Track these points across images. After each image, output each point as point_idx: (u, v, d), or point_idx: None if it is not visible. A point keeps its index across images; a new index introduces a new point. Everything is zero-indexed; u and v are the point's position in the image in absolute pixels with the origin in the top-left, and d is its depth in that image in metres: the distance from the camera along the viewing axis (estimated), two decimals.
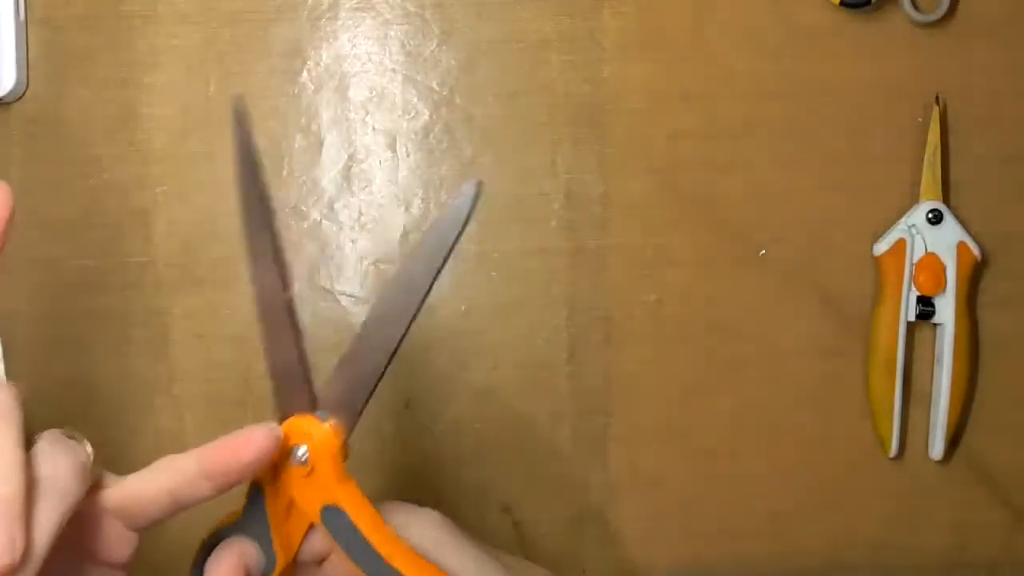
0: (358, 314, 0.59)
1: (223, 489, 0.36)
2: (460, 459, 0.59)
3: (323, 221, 0.59)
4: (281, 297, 0.39)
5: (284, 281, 0.39)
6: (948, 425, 0.58)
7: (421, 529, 0.40)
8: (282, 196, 0.59)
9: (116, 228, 0.59)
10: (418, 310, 0.37)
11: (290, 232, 0.59)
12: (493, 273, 0.59)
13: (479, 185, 0.35)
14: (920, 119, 0.59)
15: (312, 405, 0.39)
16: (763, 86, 0.59)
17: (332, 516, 0.38)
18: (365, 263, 0.59)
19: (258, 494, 0.39)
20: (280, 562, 0.39)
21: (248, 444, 0.36)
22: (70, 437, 0.36)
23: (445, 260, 0.36)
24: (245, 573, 0.38)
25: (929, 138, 0.58)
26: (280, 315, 0.39)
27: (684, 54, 0.59)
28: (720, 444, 0.59)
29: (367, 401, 0.38)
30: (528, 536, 0.59)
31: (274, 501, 0.39)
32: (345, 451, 0.38)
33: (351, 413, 0.38)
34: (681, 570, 0.60)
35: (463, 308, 0.59)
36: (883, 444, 0.58)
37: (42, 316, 0.59)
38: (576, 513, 0.59)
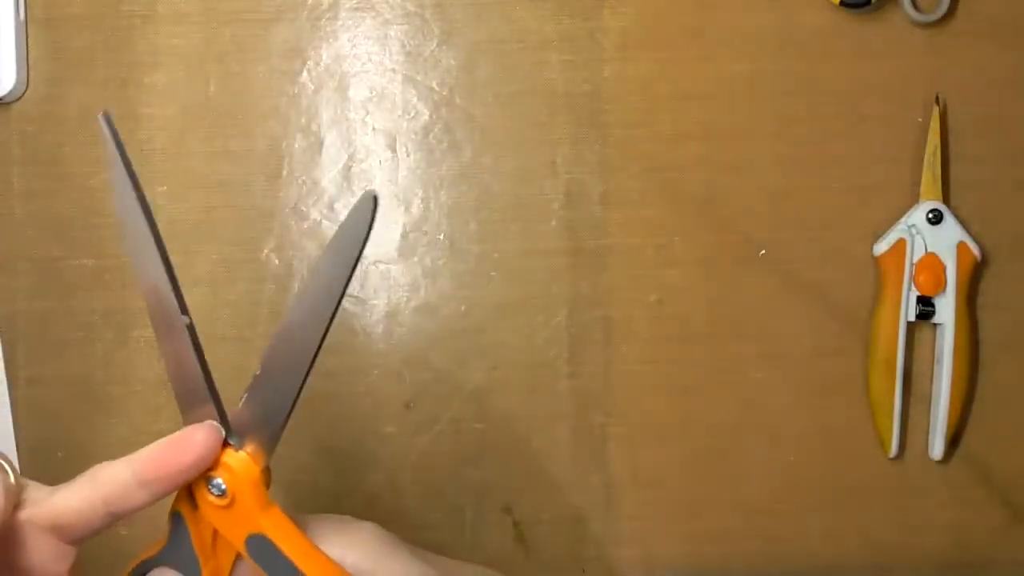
0: (358, 314, 0.59)
1: (160, 496, 0.35)
2: (460, 459, 0.59)
3: (323, 221, 0.59)
4: (179, 321, 0.36)
5: (181, 305, 0.37)
6: (948, 425, 0.58)
7: (359, 547, 0.38)
8: (282, 196, 0.59)
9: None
10: (328, 326, 0.35)
11: (290, 232, 0.59)
12: (493, 273, 0.59)
13: (375, 199, 0.34)
14: (920, 119, 0.59)
15: (224, 432, 0.37)
16: (763, 86, 0.59)
17: (257, 545, 0.36)
18: (365, 263, 0.59)
19: (180, 523, 0.38)
20: None
21: (187, 447, 0.35)
22: None
23: (350, 277, 0.35)
24: None
25: (929, 138, 0.58)
26: (181, 340, 0.36)
27: (684, 54, 0.59)
28: (720, 444, 0.59)
29: (285, 424, 0.36)
30: (528, 536, 0.60)
31: (198, 530, 0.37)
32: (267, 477, 0.37)
33: (269, 437, 0.36)
34: (681, 570, 0.60)
35: (463, 308, 0.59)
36: (883, 444, 0.59)
37: (42, 316, 0.59)
38: (576, 513, 0.59)
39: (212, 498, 0.36)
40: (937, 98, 0.58)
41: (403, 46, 0.59)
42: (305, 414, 0.57)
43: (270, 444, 0.37)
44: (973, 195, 0.59)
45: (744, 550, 0.60)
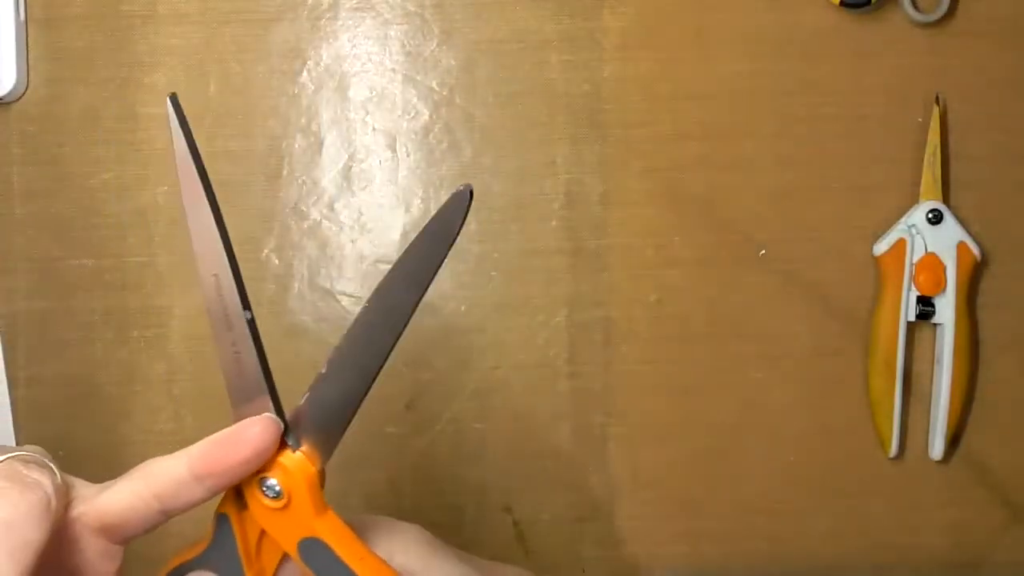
0: None
1: (216, 492, 0.34)
2: (460, 459, 0.59)
3: (323, 221, 0.59)
4: (241, 315, 0.35)
5: (243, 298, 0.35)
6: (948, 425, 0.58)
7: (405, 548, 0.37)
8: (282, 196, 0.59)
9: (116, 228, 0.59)
10: (405, 324, 0.33)
11: (290, 232, 0.59)
12: (493, 273, 0.59)
13: (471, 193, 0.32)
14: (920, 119, 0.59)
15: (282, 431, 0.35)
16: (763, 86, 0.59)
17: (311, 549, 0.35)
18: (365, 263, 0.59)
19: (225, 523, 0.36)
20: None
21: (245, 440, 0.33)
22: (30, 463, 0.32)
23: (435, 272, 0.33)
24: None
25: (929, 138, 0.58)
26: (240, 334, 0.35)
27: (684, 54, 0.59)
28: (720, 444, 0.59)
29: (347, 425, 0.35)
30: (528, 536, 0.60)
31: (244, 531, 0.36)
32: (322, 478, 0.35)
33: (328, 439, 0.35)
34: (681, 570, 0.60)
35: (463, 308, 0.59)
36: (883, 444, 0.59)
37: (42, 316, 0.59)
38: (576, 513, 0.59)
39: (266, 500, 0.35)
40: (937, 98, 0.58)
41: (403, 46, 0.59)
42: None
43: (328, 446, 0.35)
44: (973, 195, 0.59)
45: (744, 550, 0.60)
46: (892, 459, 0.59)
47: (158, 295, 0.59)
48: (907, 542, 0.60)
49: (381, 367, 0.34)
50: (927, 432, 0.59)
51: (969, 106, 0.59)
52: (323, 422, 0.35)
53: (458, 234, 0.32)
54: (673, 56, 0.59)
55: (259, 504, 0.35)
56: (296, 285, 0.59)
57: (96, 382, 0.59)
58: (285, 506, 0.35)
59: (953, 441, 0.59)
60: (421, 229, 0.33)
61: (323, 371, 0.35)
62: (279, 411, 0.35)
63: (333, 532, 0.35)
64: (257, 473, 0.34)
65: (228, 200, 0.59)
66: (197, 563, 0.37)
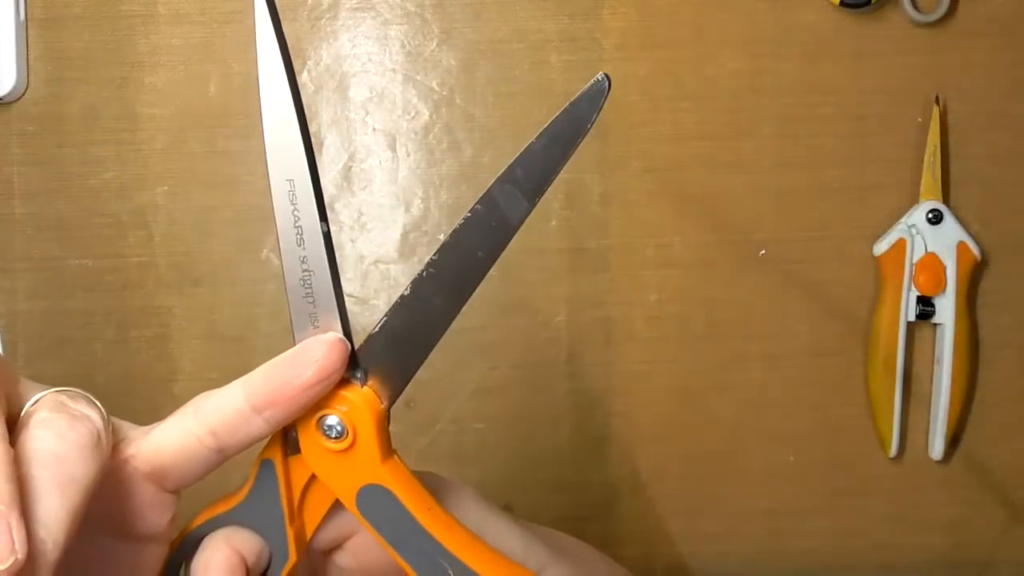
0: (358, 314, 0.59)
1: (279, 425, 0.30)
2: (460, 459, 0.59)
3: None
4: (317, 226, 0.31)
5: (320, 209, 0.31)
6: (948, 425, 0.58)
7: (460, 506, 0.34)
8: None
9: (116, 228, 0.59)
10: (510, 237, 0.30)
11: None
12: (493, 273, 0.59)
13: (609, 81, 0.29)
14: (920, 119, 0.59)
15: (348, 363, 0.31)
16: (763, 86, 0.59)
17: (373, 498, 0.31)
18: (365, 263, 0.59)
19: (269, 470, 0.32)
20: (293, 553, 0.32)
21: (310, 361, 0.29)
22: (77, 396, 0.28)
23: (554, 176, 0.29)
24: (245, 571, 0.31)
25: (929, 138, 0.58)
26: (313, 248, 0.31)
27: (684, 54, 0.59)
28: (720, 444, 0.59)
29: (424, 356, 0.31)
30: None
31: (289, 480, 0.32)
32: (387, 420, 0.32)
33: (401, 372, 0.31)
34: (681, 570, 0.60)
35: (463, 308, 0.59)
36: (883, 444, 0.59)
37: (42, 316, 0.59)
38: (576, 513, 0.59)
39: (325, 441, 0.31)
40: (937, 98, 0.58)
41: (403, 46, 0.59)
42: None
43: (399, 382, 0.31)
44: (973, 195, 0.59)
45: (744, 550, 0.60)
46: (892, 459, 0.59)
47: (158, 295, 0.59)
48: (907, 542, 0.60)
49: (475, 287, 0.31)
50: (927, 432, 0.59)
51: (969, 106, 0.59)
52: (397, 351, 0.31)
53: (589, 129, 0.29)
54: (673, 56, 0.59)
55: (316, 446, 0.31)
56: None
57: (96, 382, 0.59)
58: (347, 448, 0.31)
59: (953, 441, 0.59)
60: (546, 126, 0.30)
61: (405, 292, 0.31)
62: (348, 338, 0.31)
63: (399, 480, 0.31)
64: (315, 411, 0.31)
65: (228, 200, 0.59)
66: (230, 517, 0.33)
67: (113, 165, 0.59)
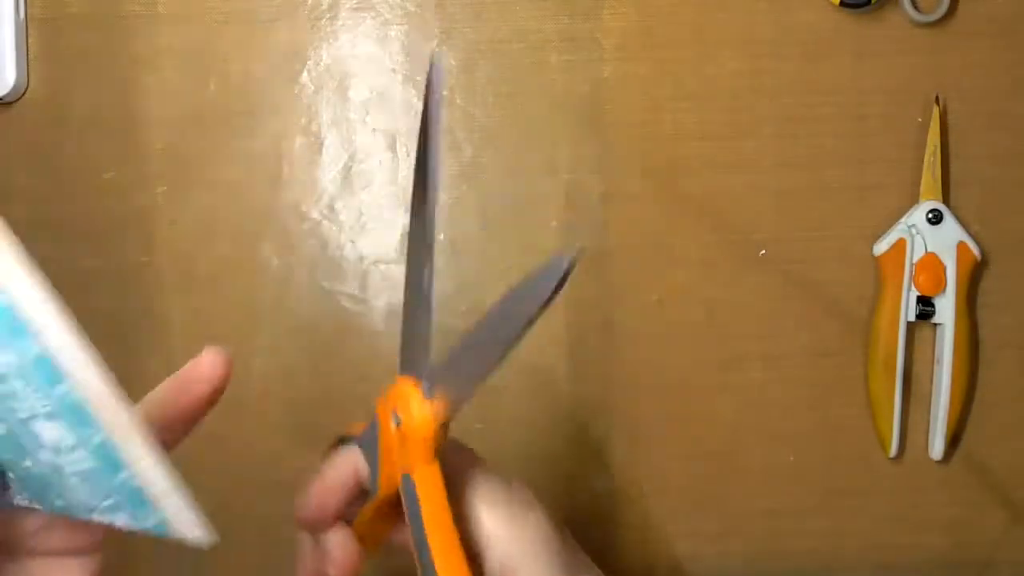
0: (359, 314, 0.59)
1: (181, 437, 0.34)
2: None
3: (323, 221, 0.59)
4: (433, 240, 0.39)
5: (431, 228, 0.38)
6: (948, 425, 0.58)
7: (534, 527, 0.40)
8: (282, 196, 0.59)
9: (116, 228, 0.59)
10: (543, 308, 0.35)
11: (290, 232, 0.59)
12: (493, 273, 0.59)
13: (573, 258, 0.34)
14: (920, 119, 0.59)
15: (423, 374, 0.38)
16: (763, 86, 0.59)
17: (408, 487, 0.37)
18: (365, 263, 0.59)
19: (375, 425, 0.39)
20: (380, 491, 0.39)
21: (197, 379, 0.34)
22: None
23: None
24: (356, 479, 0.39)
25: (929, 138, 0.58)
26: (428, 259, 0.39)
27: (684, 54, 0.59)
28: (720, 444, 0.59)
29: (478, 384, 0.36)
30: None
31: (384, 438, 0.39)
32: (444, 432, 0.37)
33: (460, 391, 0.37)
34: (681, 570, 0.60)
35: (463, 308, 0.59)
36: (883, 444, 0.59)
37: None
38: (577, 516, 0.59)
39: (392, 425, 0.38)
40: (937, 98, 0.58)
41: (403, 46, 0.59)
42: (306, 414, 0.57)
43: (458, 399, 0.37)
44: (973, 195, 0.59)
45: (744, 550, 0.60)
46: (892, 459, 0.59)
47: (158, 295, 0.59)
48: (907, 542, 0.60)
49: (525, 333, 0.35)
50: (927, 432, 0.59)
51: (969, 106, 0.59)
52: (457, 377, 0.37)
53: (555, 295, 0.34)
54: (673, 56, 0.59)
55: (387, 426, 0.38)
56: (296, 285, 0.59)
57: None
58: (402, 440, 0.37)
59: (953, 441, 0.59)
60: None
61: (481, 320, 0.37)
62: (426, 346, 0.38)
63: (428, 485, 0.37)
64: (391, 405, 0.38)
65: (228, 200, 0.59)
66: (357, 440, 0.40)
67: (113, 165, 0.59)
